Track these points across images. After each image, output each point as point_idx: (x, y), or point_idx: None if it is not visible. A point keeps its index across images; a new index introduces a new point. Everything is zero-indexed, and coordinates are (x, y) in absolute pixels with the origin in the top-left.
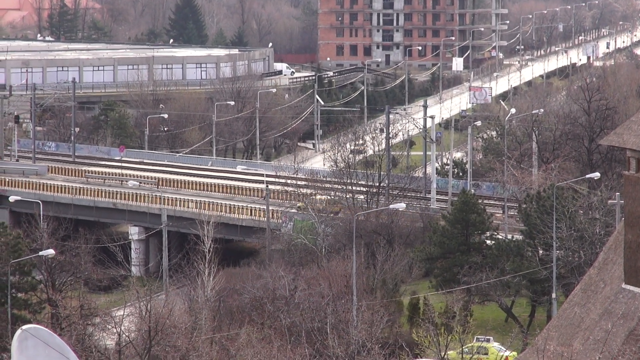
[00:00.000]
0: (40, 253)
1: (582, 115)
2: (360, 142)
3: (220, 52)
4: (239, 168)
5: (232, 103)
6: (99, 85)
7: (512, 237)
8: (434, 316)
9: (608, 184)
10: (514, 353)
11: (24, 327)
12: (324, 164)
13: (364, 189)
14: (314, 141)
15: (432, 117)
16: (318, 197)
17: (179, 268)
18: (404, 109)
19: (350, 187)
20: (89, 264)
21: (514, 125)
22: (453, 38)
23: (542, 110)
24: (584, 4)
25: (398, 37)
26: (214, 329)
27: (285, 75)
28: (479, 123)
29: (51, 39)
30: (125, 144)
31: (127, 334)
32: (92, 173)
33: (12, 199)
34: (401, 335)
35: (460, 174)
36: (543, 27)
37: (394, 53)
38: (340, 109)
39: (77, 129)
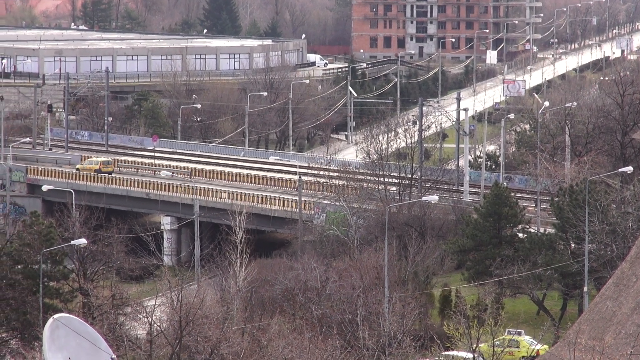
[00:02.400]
0: (73, 242)
1: (616, 109)
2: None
3: (254, 42)
4: (271, 159)
5: (265, 94)
6: (133, 75)
7: (545, 230)
8: (466, 309)
9: None
10: (546, 346)
11: (56, 316)
12: (357, 156)
13: (397, 181)
14: (346, 133)
15: (466, 110)
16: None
17: (210, 258)
18: (437, 102)
19: (382, 179)
20: (121, 253)
21: (547, 119)
22: (487, 30)
23: (575, 103)
24: None
25: (432, 29)
26: (245, 320)
27: (318, 66)
28: (512, 116)
29: (85, 28)
30: (158, 133)
31: (158, 323)
32: (125, 163)
33: (44, 188)
34: (432, 328)
35: (493, 166)
36: (577, 21)
37: (428, 45)
38: (373, 100)
39: (110, 119)
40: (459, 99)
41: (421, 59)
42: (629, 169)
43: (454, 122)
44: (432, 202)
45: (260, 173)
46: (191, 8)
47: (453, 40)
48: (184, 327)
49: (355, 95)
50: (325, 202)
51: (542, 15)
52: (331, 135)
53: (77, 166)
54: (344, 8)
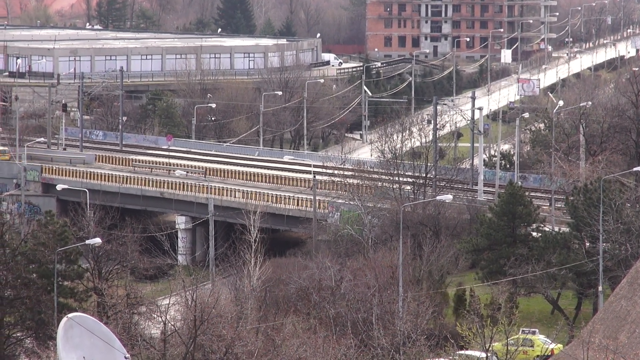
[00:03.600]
0: (87, 241)
1: (630, 108)
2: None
3: (268, 42)
4: (286, 158)
5: (280, 93)
6: (147, 74)
7: (559, 229)
8: (480, 308)
9: None
10: (560, 345)
11: (70, 315)
12: (371, 155)
13: (411, 180)
14: (361, 132)
15: (480, 109)
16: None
17: (225, 258)
18: (452, 101)
19: (397, 178)
20: (135, 252)
21: (561, 118)
22: (501, 30)
23: (590, 102)
24: None
25: (446, 28)
26: (259, 319)
27: (333, 65)
28: (526, 115)
29: (99, 27)
30: (173, 133)
31: (172, 323)
32: (139, 162)
33: (59, 187)
34: (446, 327)
35: (508, 165)
36: (592, 20)
37: (442, 44)
38: (387, 100)
39: (124, 118)
40: (473, 98)
41: (436, 58)
42: None
43: (468, 121)
44: (447, 201)
45: (274, 172)
46: (206, 7)
47: (467, 39)
48: (198, 327)
49: (370, 94)
50: (340, 201)
51: (557, 14)
52: (346, 134)
53: None
54: (358, 7)
